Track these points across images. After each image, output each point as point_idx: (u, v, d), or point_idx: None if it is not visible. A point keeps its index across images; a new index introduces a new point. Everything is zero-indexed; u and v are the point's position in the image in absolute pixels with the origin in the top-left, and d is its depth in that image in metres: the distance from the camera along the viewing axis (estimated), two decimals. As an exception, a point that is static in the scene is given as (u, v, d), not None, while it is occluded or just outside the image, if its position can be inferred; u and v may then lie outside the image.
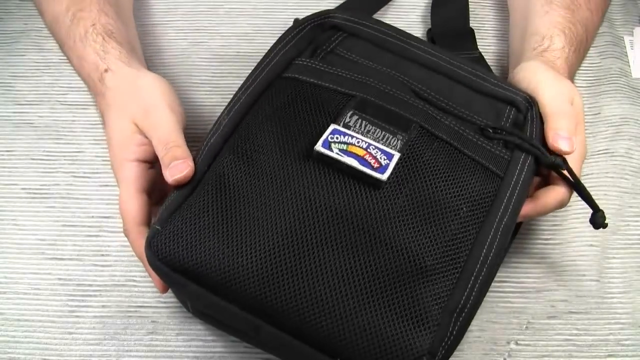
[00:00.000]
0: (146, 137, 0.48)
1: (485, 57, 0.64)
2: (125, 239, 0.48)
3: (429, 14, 0.68)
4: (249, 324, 0.41)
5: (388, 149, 0.44)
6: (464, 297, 0.41)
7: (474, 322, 0.43)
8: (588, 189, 0.49)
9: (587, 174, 0.59)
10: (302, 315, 0.39)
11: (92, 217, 0.56)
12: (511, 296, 0.54)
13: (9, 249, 0.55)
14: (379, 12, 0.68)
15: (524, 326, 0.53)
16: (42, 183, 0.58)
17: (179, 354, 0.51)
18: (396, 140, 0.45)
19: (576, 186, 0.49)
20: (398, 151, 0.44)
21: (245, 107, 0.47)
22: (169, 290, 0.48)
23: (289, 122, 0.46)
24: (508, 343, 0.52)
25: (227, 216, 0.42)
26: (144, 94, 0.50)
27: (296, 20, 0.53)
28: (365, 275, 0.40)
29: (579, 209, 0.57)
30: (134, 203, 0.47)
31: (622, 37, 0.69)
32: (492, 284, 0.43)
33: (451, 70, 0.51)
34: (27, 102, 0.62)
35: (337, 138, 0.44)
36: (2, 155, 0.59)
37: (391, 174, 0.43)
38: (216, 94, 0.63)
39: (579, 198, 0.50)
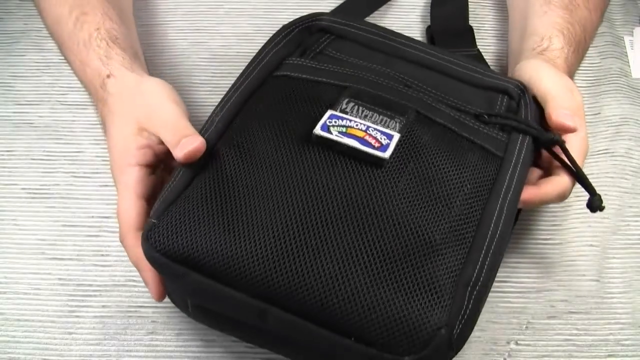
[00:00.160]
0: (147, 139, 0.48)
1: (484, 56, 0.64)
2: (124, 240, 0.48)
3: (429, 14, 0.68)
4: (254, 311, 0.40)
5: (387, 130, 0.44)
6: (476, 271, 0.41)
7: (474, 322, 0.43)
8: (588, 188, 0.49)
9: (587, 174, 0.58)
10: (311, 296, 0.38)
11: (92, 217, 0.56)
12: (511, 296, 0.54)
13: (9, 249, 0.55)
14: (378, 12, 0.68)
15: (524, 326, 0.53)
16: (42, 183, 0.58)
17: (179, 354, 0.51)
18: (395, 123, 0.45)
19: (573, 169, 0.49)
20: (398, 132, 0.44)
21: (238, 104, 0.47)
22: (166, 297, 0.47)
23: (284, 114, 0.46)
24: (508, 343, 0.52)
25: (227, 204, 0.41)
26: (148, 97, 0.50)
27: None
28: (374, 253, 0.40)
29: (579, 209, 0.57)
30: (132, 208, 0.46)
31: (622, 37, 0.69)
32: (492, 283, 0.43)
33: (441, 64, 0.52)
34: (27, 102, 0.62)
35: (335, 122, 0.44)
36: (2, 155, 0.59)
37: (392, 153, 0.43)
38: (216, 94, 0.63)
39: (579, 198, 0.50)
